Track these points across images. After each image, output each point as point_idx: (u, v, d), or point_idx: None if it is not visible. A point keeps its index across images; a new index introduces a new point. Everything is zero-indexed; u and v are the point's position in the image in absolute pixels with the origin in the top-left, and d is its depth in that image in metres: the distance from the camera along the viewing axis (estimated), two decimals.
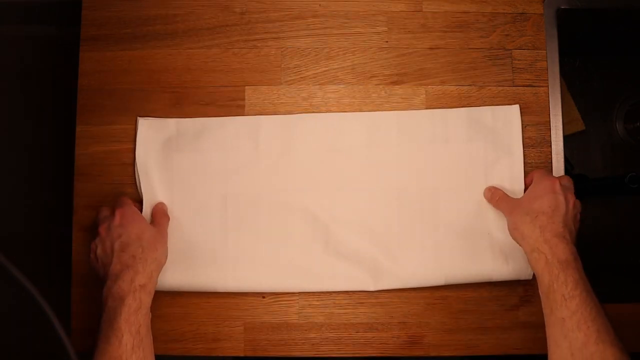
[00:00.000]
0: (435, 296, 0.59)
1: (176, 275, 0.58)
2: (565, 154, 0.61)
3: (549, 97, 0.61)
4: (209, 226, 0.59)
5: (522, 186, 0.59)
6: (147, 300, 0.50)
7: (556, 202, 0.51)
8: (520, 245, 0.52)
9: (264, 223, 0.59)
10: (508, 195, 0.57)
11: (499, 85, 0.62)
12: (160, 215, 0.58)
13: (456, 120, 0.60)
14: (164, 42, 0.62)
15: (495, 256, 0.58)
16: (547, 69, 0.62)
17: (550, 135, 0.61)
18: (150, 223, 0.57)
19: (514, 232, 0.53)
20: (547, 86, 0.62)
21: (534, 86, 0.62)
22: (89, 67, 0.62)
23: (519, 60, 0.62)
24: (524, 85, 0.62)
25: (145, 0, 0.63)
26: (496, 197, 0.57)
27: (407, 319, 0.60)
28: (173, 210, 0.59)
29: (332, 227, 0.59)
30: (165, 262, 0.55)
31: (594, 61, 0.85)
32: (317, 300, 0.60)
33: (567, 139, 0.64)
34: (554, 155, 0.61)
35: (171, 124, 0.60)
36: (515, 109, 0.60)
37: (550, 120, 0.61)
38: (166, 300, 0.59)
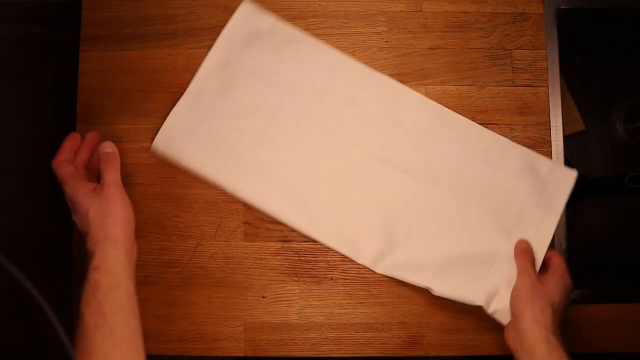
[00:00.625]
0: (435, 296, 0.59)
1: (195, 152, 0.59)
2: (565, 154, 0.61)
3: (549, 97, 0.61)
4: (249, 126, 0.60)
5: (544, 249, 0.57)
6: (105, 279, 0.48)
7: (566, 303, 0.53)
8: (521, 318, 0.51)
9: (300, 151, 0.60)
10: (534, 263, 0.56)
11: (499, 85, 0.62)
12: (112, 183, 0.53)
13: (514, 154, 0.59)
14: (164, 42, 0.62)
15: (488, 286, 0.56)
16: (547, 69, 0.62)
17: (550, 135, 0.61)
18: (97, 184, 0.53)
19: (529, 309, 0.51)
20: (547, 86, 0.62)
21: (534, 86, 0.62)
22: (89, 67, 0.62)
23: (519, 60, 0.62)
24: (524, 85, 0.62)
25: (145, 0, 0.63)
26: (524, 255, 0.56)
27: (407, 319, 0.60)
28: (223, 97, 0.60)
29: (352, 189, 0.59)
30: (122, 234, 0.50)
31: (594, 61, 0.85)
32: (317, 300, 0.60)
33: (567, 139, 0.64)
34: (554, 155, 0.61)
35: (269, 21, 0.61)
36: (572, 175, 0.59)
37: (550, 120, 0.61)
38: (166, 300, 0.59)
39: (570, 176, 0.59)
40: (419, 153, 0.60)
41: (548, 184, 0.59)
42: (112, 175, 0.52)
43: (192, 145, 0.59)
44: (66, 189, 0.52)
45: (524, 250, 0.57)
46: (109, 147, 0.55)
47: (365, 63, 0.62)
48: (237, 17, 0.61)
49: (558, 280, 0.53)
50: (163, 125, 0.59)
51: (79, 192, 0.51)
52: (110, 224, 0.50)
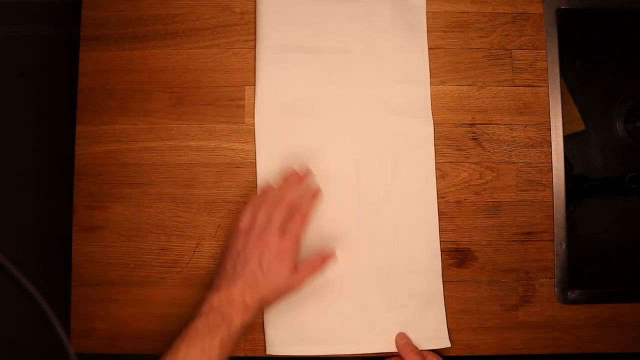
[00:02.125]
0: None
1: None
2: (565, 154, 0.61)
3: (549, 97, 0.61)
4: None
5: None
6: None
7: None
8: None
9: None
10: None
11: (499, 85, 0.62)
12: (312, 268, 0.54)
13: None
14: (164, 42, 0.62)
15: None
16: (547, 69, 0.62)
17: (550, 135, 0.61)
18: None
19: None
20: (547, 86, 0.62)
21: (534, 86, 0.62)
22: (89, 67, 0.62)
23: (519, 60, 0.62)
24: (524, 85, 0.62)
25: (145, 0, 0.63)
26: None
27: None
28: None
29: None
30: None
31: (594, 61, 0.85)
32: None
33: (567, 139, 0.64)
34: (554, 155, 0.61)
35: None
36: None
37: (550, 120, 0.61)
38: (166, 300, 0.59)
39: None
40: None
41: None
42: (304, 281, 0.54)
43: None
44: (287, 244, 0.52)
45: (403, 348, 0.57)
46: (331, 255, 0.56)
47: None
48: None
49: None
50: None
51: (287, 265, 0.52)
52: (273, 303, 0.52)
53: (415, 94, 0.61)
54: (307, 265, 0.54)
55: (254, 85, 0.61)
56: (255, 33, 0.62)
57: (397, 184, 0.60)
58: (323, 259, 0.55)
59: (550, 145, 0.61)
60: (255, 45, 0.61)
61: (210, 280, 0.60)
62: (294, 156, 0.60)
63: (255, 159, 0.60)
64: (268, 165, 0.60)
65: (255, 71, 0.61)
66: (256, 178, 0.60)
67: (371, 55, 0.61)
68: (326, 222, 0.59)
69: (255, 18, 0.62)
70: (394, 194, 0.60)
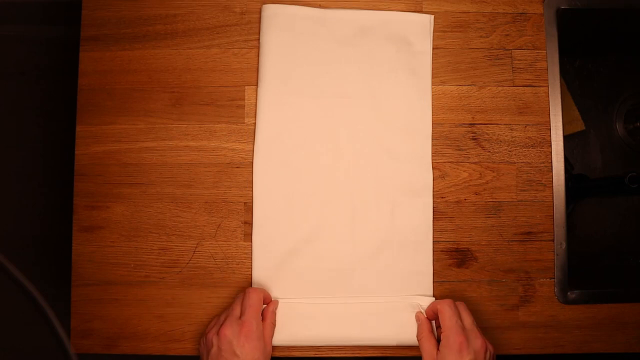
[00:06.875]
0: (435, 296, 0.59)
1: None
2: (565, 154, 0.61)
3: (549, 97, 0.61)
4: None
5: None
6: None
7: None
8: None
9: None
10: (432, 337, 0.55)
11: (499, 85, 0.62)
12: (268, 325, 0.56)
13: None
14: (164, 42, 0.62)
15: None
16: (547, 69, 0.62)
17: (550, 135, 0.61)
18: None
19: None
20: (547, 86, 0.62)
21: (534, 86, 0.62)
22: (89, 67, 0.62)
23: (519, 60, 0.62)
24: (524, 85, 0.62)
25: (145, 0, 0.63)
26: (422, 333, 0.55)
27: None
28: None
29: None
30: None
31: (594, 61, 0.85)
32: None
33: (567, 139, 0.64)
34: (554, 155, 0.61)
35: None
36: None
37: (550, 120, 0.61)
38: (166, 300, 0.59)
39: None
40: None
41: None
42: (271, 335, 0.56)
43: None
44: (252, 326, 0.53)
45: (419, 330, 0.56)
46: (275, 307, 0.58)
47: None
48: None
49: (442, 350, 0.51)
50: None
51: (257, 342, 0.53)
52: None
53: (416, 142, 0.60)
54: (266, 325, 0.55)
55: (255, 118, 0.61)
56: (257, 68, 0.61)
57: (393, 234, 0.59)
58: (271, 308, 0.57)
59: (550, 145, 0.61)
60: (257, 82, 0.61)
61: (209, 280, 0.60)
62: (290, 200, 0.60)
63: (252, 202, 0.60)
64: (264, 207, 0.60)
65: (256, 107, 0.61)
66: (252, 213, 0.60)
67: (373, 101, 0.60)
68: (317, 268, 0.59)
69: (258, 57, 0.61)
70: (389, 244, 0.59)
